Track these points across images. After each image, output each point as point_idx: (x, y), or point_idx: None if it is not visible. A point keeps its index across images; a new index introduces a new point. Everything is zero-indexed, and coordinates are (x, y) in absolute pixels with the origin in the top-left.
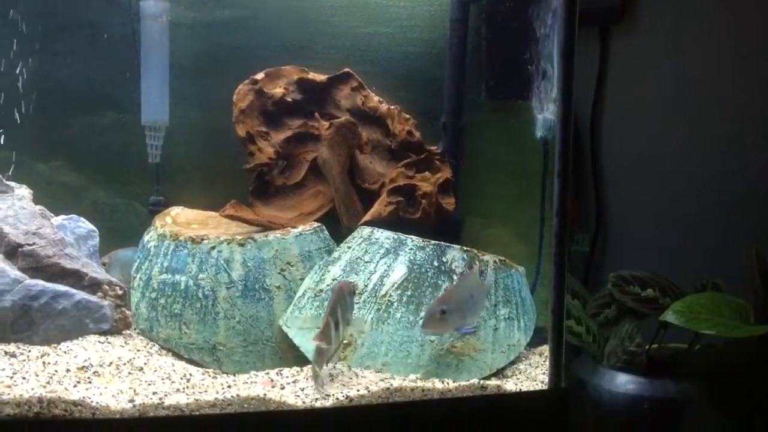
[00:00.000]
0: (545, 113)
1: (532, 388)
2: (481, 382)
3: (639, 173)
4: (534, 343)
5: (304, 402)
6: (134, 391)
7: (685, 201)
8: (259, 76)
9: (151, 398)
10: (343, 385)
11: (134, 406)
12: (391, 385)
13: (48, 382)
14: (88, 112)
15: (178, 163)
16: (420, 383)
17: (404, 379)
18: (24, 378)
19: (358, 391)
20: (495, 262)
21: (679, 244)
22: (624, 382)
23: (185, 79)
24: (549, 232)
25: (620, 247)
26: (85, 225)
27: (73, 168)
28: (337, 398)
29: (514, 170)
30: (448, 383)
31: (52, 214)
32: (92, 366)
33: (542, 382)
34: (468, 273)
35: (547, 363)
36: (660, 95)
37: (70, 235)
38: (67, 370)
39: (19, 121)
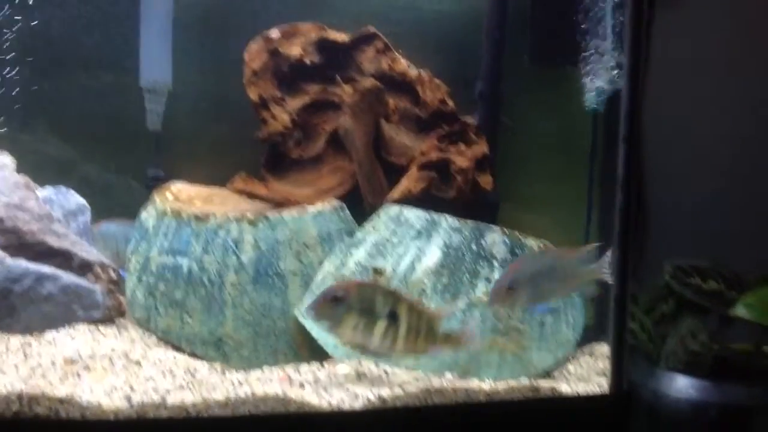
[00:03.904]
0: (597, 81)
1: (589, 391)
2: (533, 382)
3: (681, 159)
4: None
5: (329, 403)
6: (131, 387)
7: (731, 187)
8: (274, 33)
9: (151, 396)
10: (372, 384)
11: (131, 405)
12: (431, 384)
13: (30, 376)
14: (80, 73)
15: (181, 132)
16: (462, 383)
17: (442, 378)
18: (2, 371)
19: (391, 390)
20: (540, 247)
21: (727, 232)
22: (686, 386)
23: (190, 36)
24: (596, 216)
25: (662, 236)
26: (75, 199)
27: (62, 137)
28: (368, 399)
29: (558, 146)
30: (494, 384)
31: (38, 186)
32: (81, 358)
33: (598, 385)
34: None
35: (599, 363)
36: (707, 73)
37: (57, 210)
38: (53, 363)
39: (1, 84)
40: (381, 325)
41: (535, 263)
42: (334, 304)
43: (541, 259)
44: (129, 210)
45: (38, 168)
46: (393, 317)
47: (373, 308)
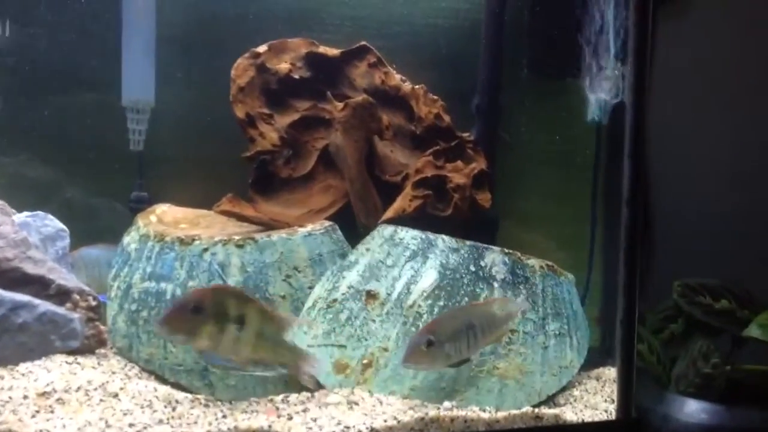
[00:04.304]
0: (599, 93)
1: (595, 418)
2: (536, 410)
3: (687, 173)
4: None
5: None
6: (106, 422)
7: (737, 204)
8: (262, 48)
9: (126, 431)
10: (365, 414)
11: None
12: (426, 414)
13: None
14: (60, 93)
15: (165, 152)
16: (460, 412)
17: (439, 408)
18: None
19: (385, 421)
20: (542, 267)
21: (736, 249)
22: (697, 410)
23: (174, 53)
24: (600, 234)
25: (668, 254)
26: (53, 224)
27: (42, 159)
28: (359, 430)
29: (559, 160)
30: (492, 412)
31: (14, 211)
32: (56, 392)
33: (606, 411)
34: (476, 303)
35: (606, 388)
36: (712, 82)
37: (35, 235)
38: (25, 397)
39: None
40: (231, 330)
41: (454, 319)
42: (192, 315)
43: (460, 314)
44: (113, 234)
45: (17, 191)
46: (241, 321)
47: (225, 313)
